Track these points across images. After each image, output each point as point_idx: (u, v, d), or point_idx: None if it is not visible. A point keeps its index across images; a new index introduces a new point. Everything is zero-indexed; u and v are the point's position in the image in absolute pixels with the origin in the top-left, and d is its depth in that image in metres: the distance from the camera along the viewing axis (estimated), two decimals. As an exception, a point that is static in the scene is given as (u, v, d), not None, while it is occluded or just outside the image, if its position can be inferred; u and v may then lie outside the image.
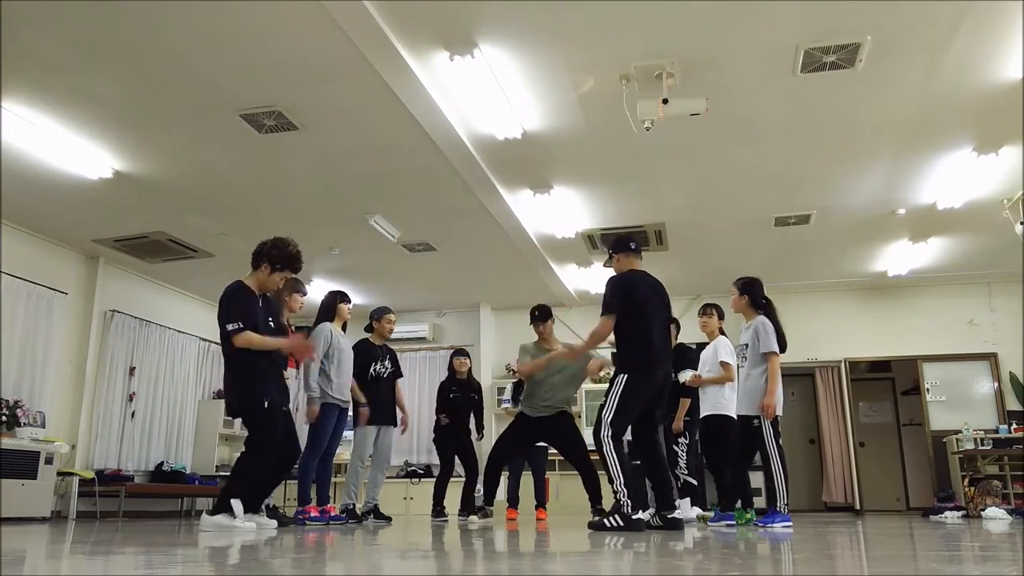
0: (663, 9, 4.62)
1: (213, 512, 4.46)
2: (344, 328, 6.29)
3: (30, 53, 4.97)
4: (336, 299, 6.29)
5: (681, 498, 5.81)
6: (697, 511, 6.03)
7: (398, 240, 8.36)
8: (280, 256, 4.64)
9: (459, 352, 7.22)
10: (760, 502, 6.70)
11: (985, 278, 9.80)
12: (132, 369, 9.16)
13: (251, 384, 4.49)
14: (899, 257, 9.05)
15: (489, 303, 11.15)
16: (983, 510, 8.04)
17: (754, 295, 5.36)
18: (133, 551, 2.80)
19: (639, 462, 5.00)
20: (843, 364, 10.33)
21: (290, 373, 5.81)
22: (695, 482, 6.22)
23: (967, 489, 8.71)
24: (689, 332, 6.98)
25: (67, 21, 4.67)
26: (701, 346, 6.39)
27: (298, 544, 3.24)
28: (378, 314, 6.62)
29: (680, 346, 6.31)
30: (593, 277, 9.50)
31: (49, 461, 7.38)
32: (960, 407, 9.81)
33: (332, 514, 6.10)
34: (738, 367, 5.59)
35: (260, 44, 4.93)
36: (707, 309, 6.20)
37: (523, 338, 6.74)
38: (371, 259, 9.07)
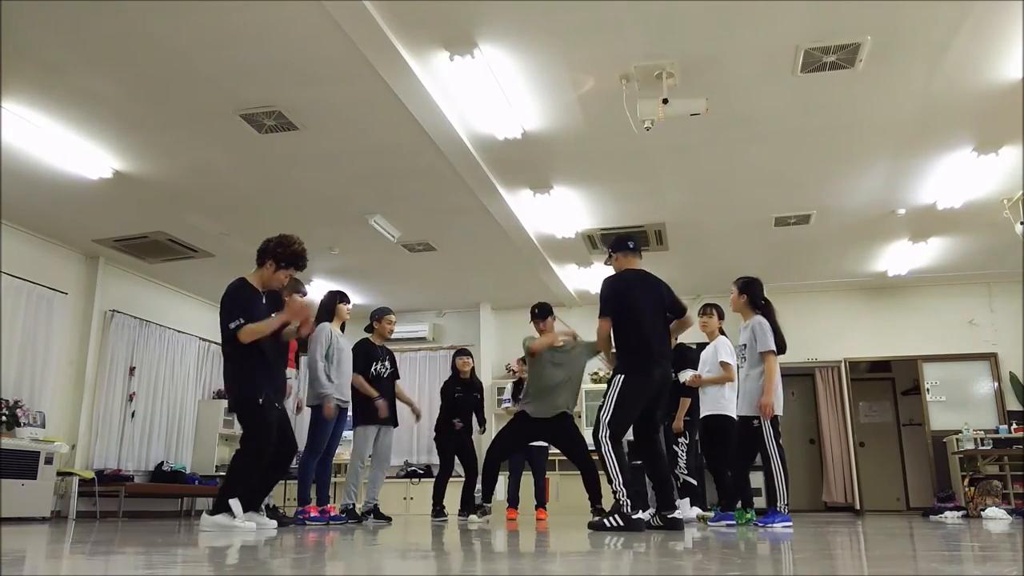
0: (663, 9, 4.62)
1: (213, 512, 4.46)
2: (343, 328, 6.30)
3: (30, 53, 4.98)
4: (336, 299, 6.29)
5: (680, 498, 5.81)
6: (697, 511, 6.04)
7: (398, 240, 8.36)
8: (285, 254, 4.64)
9: (462, 352, 7.22)
10: (760, 502, 6.71)
11: (985, 278, 9.80)
12: (132, 369, 9.15)
13: (246, 382, 4.51)
14: (899, 257, 9.05)
15: (489, 303, 11.15)
16: (983, 510, 8.04)
17: (753, 295, 5.36)
18: (133, 551, 2.80)
19: (639, 462, 5.00)
20: (843, 364, 10.33)
21: (290, 373, 5.81)
22: (695, 482, 6.23)
23: (967, 489, 8.71)
24: (689, 332, 6.94)
25: (67, 21, 4.67)
26: (701, 346, 6.39)
27: (298, 544, 3.24)
28: (379, 314, 6.62)
29: (680, 346, 6.30)
30: (593, 277, 9.50)
31: (49, 461, 7.38)
32: (960, 407, 9.81)
33: (332, 514, 6.10)
34: (738, 367, 5.59)
35: (260, 44, 4.93)
36: (707, 309, 6.20)
37: (524, 337, 6.72)
38: (371, 259, 9.07)
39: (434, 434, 7.00)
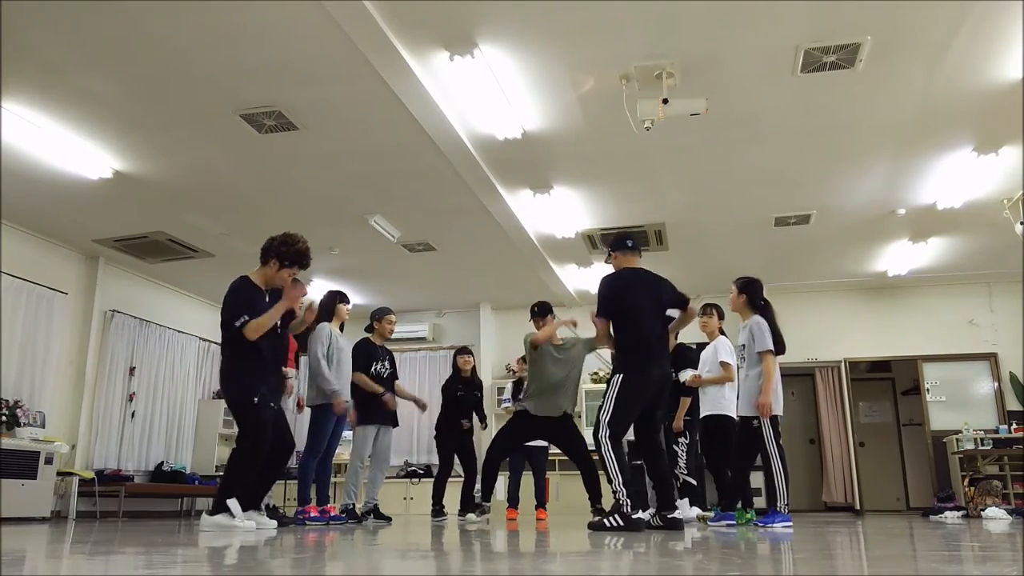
0: (663, 9, 4.62)
1: (212, 513, 4.47)
2: (342, 328, 6.30)
3: (30, 53, 4.97)
4: (335, 299, 6.29)
5: (680, 498, 5.81)
6: (697, 511, 6.03)
7: (398, 240, 8.36)
8: (289, 252, 4.65)
9: (463, 350, 7.22)
10: (760, 502, 6.71)
11: (985, 278, 9.80)
12: (132, 369, 9.15)
13: (241, 381, 4.52)
14: (899, 257, 9.05)
15: (489, 303, 11.15)
16: (983, 510, 8.04)
17: (753, 295, 5.36)
18: (133, 551, 2.80)
19: (640, 462, 5.00)
20: (843, 364, 10.33)
21: (291, 373, 5.81)
22: (695, 482, 6.22)
23: (967, 489, 8.71)
24: (689, 332, 6.95)
25: (67, 21, 4.67)
26: (701, 346, 6.39)
27: (298, 544, 3.24)
28: (379, 314, 6.62)
29: (680, 346, 6.31)
30: (593, 277, 9.49)
31: (49, 461, 7.38)
32: (960, 407, 9.81)
33: (332, 514, 6.10)
34: (737, 367, 5.59)
35: (260, 44, 4.93)
36: (707, 309, 6.20)
37: (525, 335, 6.71)
38: (371, 259, 9.07)
39: (435, 433, 7.00)
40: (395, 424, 6.54)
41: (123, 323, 9.10)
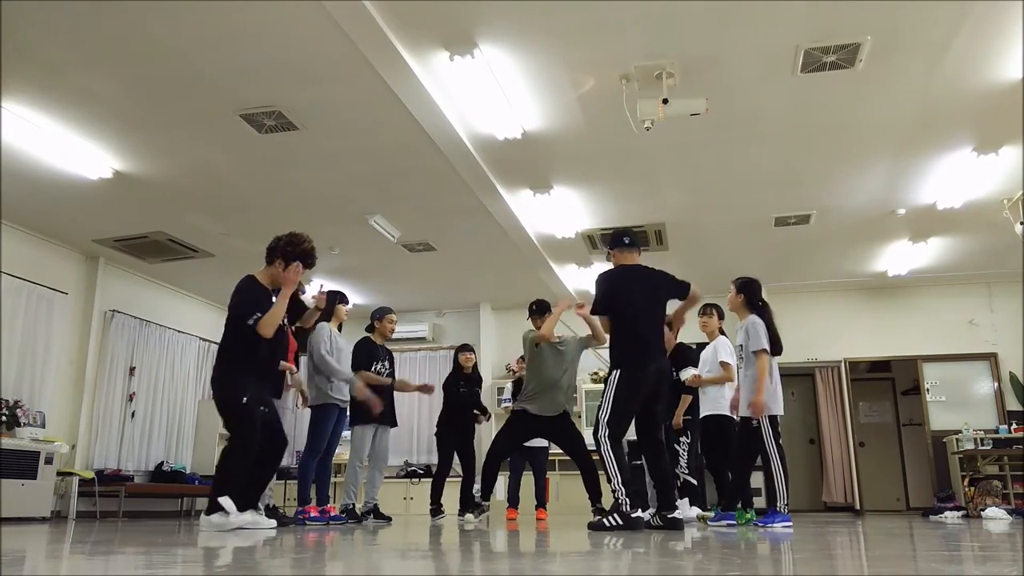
0: (663, 9, 4.62)
1: (207, 514, 4.47)
2: (340, 329, 6.30)
3: (30, 53, 4.98)
4: (334, 300, 6.29)
5: (680, 498, 5.80)
6: (697, 511, 6.03)
7: (398, 240, 8.36)
8: (295, 252, 4.66)
9: (464, 347, 7.22)
10: (760, 502, 6.70)
11: (985, 278, 9.80)
12: (132, 369, 9.16)
13: (231, 382, 4.53)
14: (899, 257, 9.05)
15: (489, 303, 11.15)
16: (983, 510, 8.04)
17: (751, 295, 5.36)
18: (133, 551, 2.80)
19: (640, 462, 5.00)
20: (843, 364, 10.33)
21: (293, 368, 5.81)
22: (695, 482, 6.22)
23: (967, 489, 8.71)
24: (689, 332, 6.97)
25: (67, 21, 4.67)
26: (701, 346, 6.39)
27: (298, 544, 3.24)
28: (380, 314, 6.62)
29: (680, 345, 6.31)
30: (593, 277, 9.48)
31: (49, 461, 7.38)
32: (960, 407, 9.81)
33: (332, 514, 6.10)
34: (737, 368, 5.59)
35: (260, 44, 4.93)
36: (707, 309, 6.20)
37: (524, 332, 6.71)
38: (371, 259, 9.07)
39: (436, 430, 7.00)
40: (393, 424, 6.54)
41: (123, 323, 9.10)
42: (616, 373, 4.62)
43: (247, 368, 4.55)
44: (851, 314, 10.28)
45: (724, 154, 6.54)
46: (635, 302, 4.73)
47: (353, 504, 6.26)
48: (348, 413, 6.28)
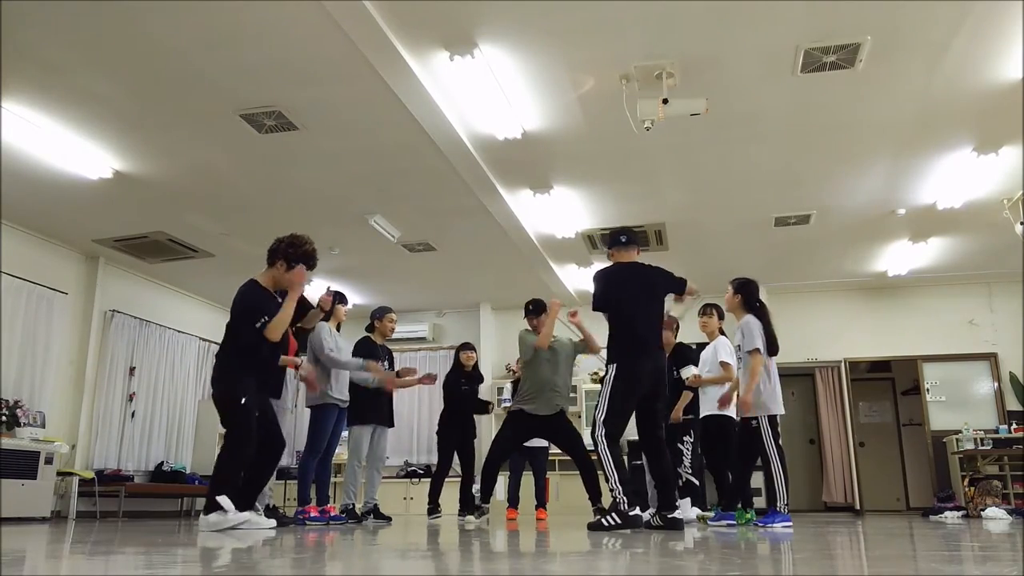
0: (663, 9, 4.62)
1: (206, 513, 4.47)
2: (338, 328, 6.30)
3: (30, 53, 4.97)
4: (333, 300, 6.29)
5: (681, 497, 5.78)
6: (697, 511, 6.03)
7: (398, 240, 8.36)
8: (296, 254, 4.65)
9: (466, 346, 7.22)
10: (760, 502, 6.70)
11: (985, 278, 9.80)
12: (132, 369, 9.15)
13: (231, 381, 4.53)
14: (899, 257, 9.05)
15: (489, 303, 11.15)
16: (983, 510, 8.05)
17: (748, 296, 5.37)
18: (133, 551, 2.80)
19: (640, 462, 5.00)
20: (843, 364, 10.33)
21: (290, 373, 5.81)
22: (697, 482, 6.21)
23: (967, 489, 8.71)
24: (689, 332, 6.98)
25: (67, 21, 4.67)
26: (701, 346, 6.38)
27: (298, 544, 3.24)
28: (380, 313, 6.62)
29: (680, 345, 6.31)
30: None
31: (49, 461, 7.38)
32: (960, 407, 9.81)
33: (332, 514, 6.10)
34: (737, 368, 5.59)
35: (260, 44, 4.93)
36: (707, 309, 6.20)
37: (520, 334, 6.71)
38: (371, 259, 9.07)
39: (437, 429, 6.99)
40: (391, 424, 6.54)
41: (123, 323, 9.10)
42: (612, 371, 4.62)
43: (248, 368, 4.56)
44: (851, 314, 10.27)
45: (724, 154, 6.54)
46: (632, 299, 4.74)
47: (353, 504, 6.26)
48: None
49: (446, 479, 6.84)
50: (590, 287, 5.02)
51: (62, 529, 5.20)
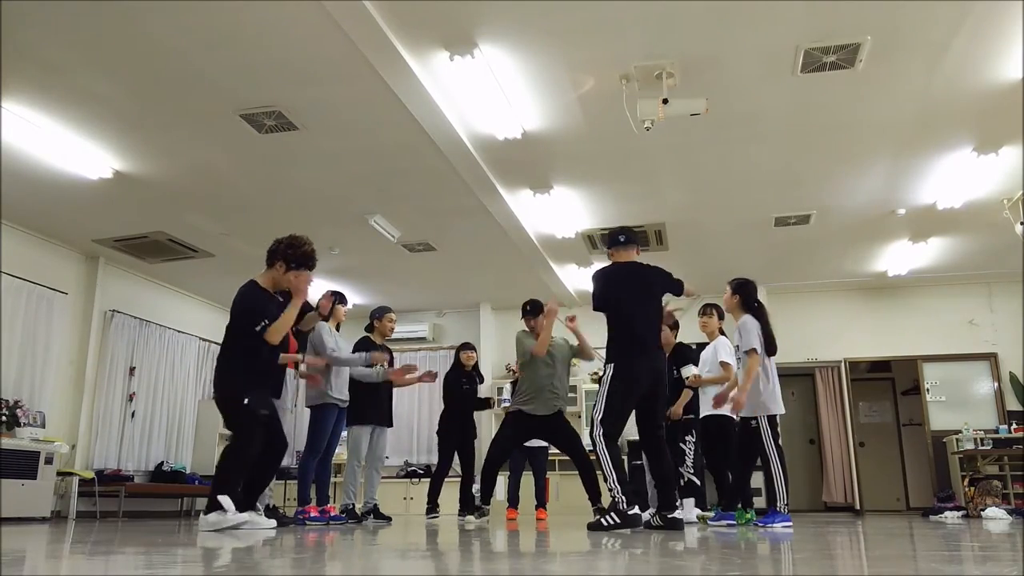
0: (663, 9, 4.62)
1: (206, 512, 4.48)
2: (338, 329, 6.30)
3: (30, 53, 4.97)
4: (333, 300, 6.29)
5: (683, 497, 5.78)
6: (697, 511, 6.03)
7: (398, 240, 8.36)
8: (295, 255, 4.66)
9: (466, 346, 7.22)
10: (760, 502, 6.70)
11: (985, 278, 9.80)
12: (132, 369, 9.15)
13: (234, 382, 4.54)
14: (899, 257, 9.05)
15: (489, 303, 11.15)
16: (983, 510, 8.05)
17: (746, 296, 5.37)
18: (133, 551, 2.80)
19: (640, 461, 5.00)
20: (843, 364, 10.33)
21: (290, 373, 5.81)
22: (699, 482, 6.21)
23: (967, 489, 8.71)
24: (689, 332, 6.99)
25: (67, 21, 4.67)
26: (701, 346, 6.39)
27: (298, 544, 3.24)
28: (379, 313, 6.62)
29: (680, 345, 6.31)
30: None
31: (49, 461, 7.38)
32: (960, 407, 9.82)
33: (332, 514, 6.10)
34: (737, 368, 5.60)
35: (260, 44, 4.93)
36: (707, 309, 6.20)
37: (518, 336, 6.71)
38: (371, 259, 9.07)
39: (438, 428, 6.99)
40: (390, 424, 6.54)
41: (123, 323, 9.10)
42: (610, 370, 4.62)
43: (249, 369, 4.56)
44: (851, 314, 10.28)
45: (724, 154, 6.54)
46: (631, 299, 4.74)
47: (353, 504, 6.26)
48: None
49: (446, 479, 6.84)
50: (590, 287, 5.02)
51: (62, 529, 5.20)
